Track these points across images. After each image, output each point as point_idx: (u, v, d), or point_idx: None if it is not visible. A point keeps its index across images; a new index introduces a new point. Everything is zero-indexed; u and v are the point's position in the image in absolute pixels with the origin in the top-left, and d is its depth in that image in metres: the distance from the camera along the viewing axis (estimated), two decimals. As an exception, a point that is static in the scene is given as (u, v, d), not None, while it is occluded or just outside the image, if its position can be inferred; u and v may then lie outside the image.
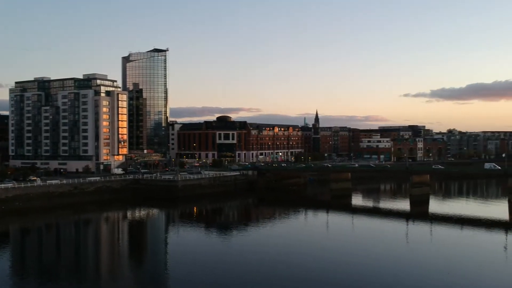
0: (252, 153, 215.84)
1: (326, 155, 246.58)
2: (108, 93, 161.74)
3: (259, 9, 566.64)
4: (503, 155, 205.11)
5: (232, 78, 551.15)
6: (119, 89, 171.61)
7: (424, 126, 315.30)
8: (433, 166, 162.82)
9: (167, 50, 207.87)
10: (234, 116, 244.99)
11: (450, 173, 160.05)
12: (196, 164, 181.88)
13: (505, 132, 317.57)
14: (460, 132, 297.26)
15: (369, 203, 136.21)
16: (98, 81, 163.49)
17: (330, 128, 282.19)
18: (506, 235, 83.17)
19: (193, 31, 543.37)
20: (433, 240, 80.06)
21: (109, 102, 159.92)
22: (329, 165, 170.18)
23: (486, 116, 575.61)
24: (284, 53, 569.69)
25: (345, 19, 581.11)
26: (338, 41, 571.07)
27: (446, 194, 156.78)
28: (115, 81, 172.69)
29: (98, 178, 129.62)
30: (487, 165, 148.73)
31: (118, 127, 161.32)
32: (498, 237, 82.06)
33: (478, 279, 54.17)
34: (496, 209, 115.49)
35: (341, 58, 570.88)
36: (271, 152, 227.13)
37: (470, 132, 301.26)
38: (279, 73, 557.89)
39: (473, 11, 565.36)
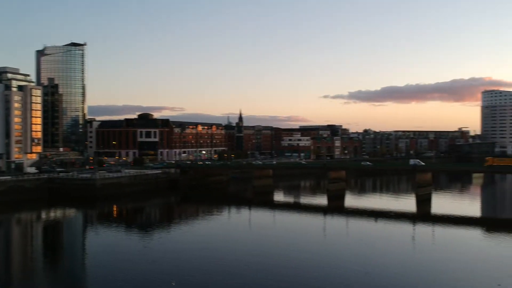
0: (175, 151, 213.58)
1: (249, 152, 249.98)
2: (20, 87, 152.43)
3: (185, 6, 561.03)
4: (411, 151, 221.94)
5: (155, 76, 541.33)
6: (32, 84, 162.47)
7: (341, 126, 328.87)
8: (362, 163, 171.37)
9: (85, 45, 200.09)
10: (157, 115, 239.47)
11: (364, 169, 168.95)
12: (112, 162, 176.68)
13: (414, 132, 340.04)
14: (374, 132, 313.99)
15: (290, 199, 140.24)
16: (9, 75, 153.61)
17: (253, 127, 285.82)
18: (414, 227, 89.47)
19: (114, 27, 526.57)
20: (348, 232, 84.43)
21: (21, 97, 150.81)
22: (258, 162, 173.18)
23: (398, 117, 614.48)
24: (208, 53, 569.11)
25: (267, 21, 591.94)
26: (261, 44, 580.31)
27: (361, 189, 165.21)
28: (28, 75, 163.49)
29: (9, 177, 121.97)
30: (412, 161, 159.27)
31: (31, 124, 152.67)
32: (407, 228, 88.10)
33: (390, 267, 57.92)
34: (406, 203, 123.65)
35: (264, 60, 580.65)
36: (195, 151, 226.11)
37: (383, 132, 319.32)
38: (203, 72, 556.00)
39: (387, 19, 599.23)
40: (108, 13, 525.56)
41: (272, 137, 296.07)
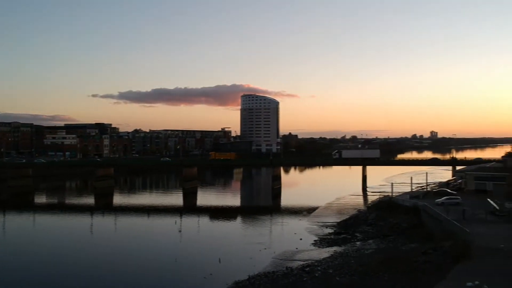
0: None
1: (2, 150, 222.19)
2: None
3: None
4: (178, 147, 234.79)
5: None
6: None
7: (111, 125, 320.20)
8: (162, 159, 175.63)
9: None
10: None
11: (132, 166, 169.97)
12: None
13: (182, 131, 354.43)
14: (145, 132, 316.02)
15: (54, 200, 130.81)
16: None
17: (9, 123, 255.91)
18: (181, 219, 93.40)
19: None
20: (118, 229, 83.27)
21: None
22: (41, 161, 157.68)
23: (168, 118, 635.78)
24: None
25: (32, 15, 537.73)
26: (22, 38, 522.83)
27: (132, 187, 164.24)
28: None
29: None
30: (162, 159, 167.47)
31: None
32: (176, 220, 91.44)
33: (160, 259, 59.48)
34: (175, 197, 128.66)
35: (23, 55, 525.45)
36: None
37: (153, 131, 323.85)
38: None
39: (167, 23, 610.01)
40: None
41: (32, 135, 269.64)
